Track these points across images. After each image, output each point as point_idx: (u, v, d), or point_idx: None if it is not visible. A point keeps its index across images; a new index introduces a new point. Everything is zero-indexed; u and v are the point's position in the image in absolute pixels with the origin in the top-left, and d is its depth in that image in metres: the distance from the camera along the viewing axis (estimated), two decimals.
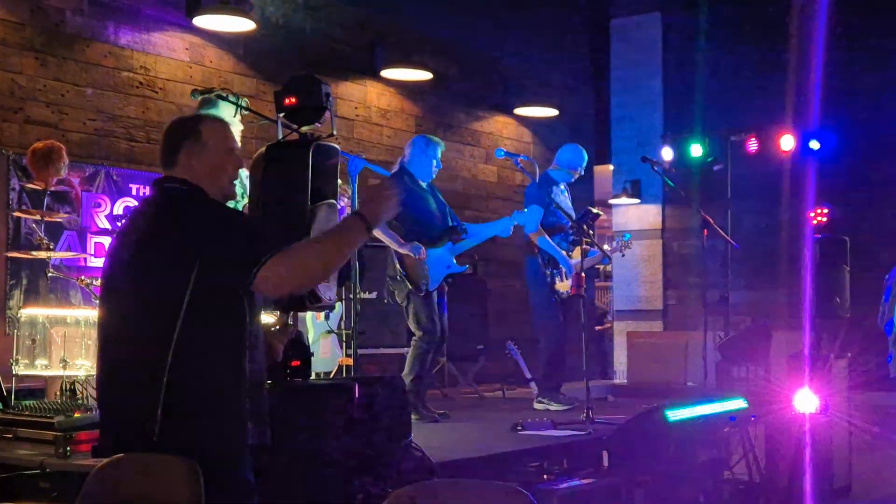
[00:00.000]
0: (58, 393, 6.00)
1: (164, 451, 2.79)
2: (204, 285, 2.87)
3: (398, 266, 6.43)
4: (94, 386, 5.81)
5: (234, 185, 3.22)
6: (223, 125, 3.22)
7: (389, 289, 6.65)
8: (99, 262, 7.39)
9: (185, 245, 2.91)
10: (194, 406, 2.91)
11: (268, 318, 5.92)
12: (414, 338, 6.47)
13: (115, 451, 2.90)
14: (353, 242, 3.11)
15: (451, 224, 6.64)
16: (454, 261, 6.61)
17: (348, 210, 6.41)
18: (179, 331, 2.85)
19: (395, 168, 6.75)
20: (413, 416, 5.92)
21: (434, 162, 6.67)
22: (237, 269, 2.90)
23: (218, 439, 2.94)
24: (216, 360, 2.93)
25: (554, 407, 6.80)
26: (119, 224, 3.45)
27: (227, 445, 2.96)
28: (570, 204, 7.15)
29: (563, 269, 7.00)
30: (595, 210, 7.00)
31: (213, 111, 5.43)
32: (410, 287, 6.37)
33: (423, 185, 6.66)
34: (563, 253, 7.05)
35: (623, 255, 7.64)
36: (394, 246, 6.41)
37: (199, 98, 5.58)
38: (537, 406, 6.96)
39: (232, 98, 5.48)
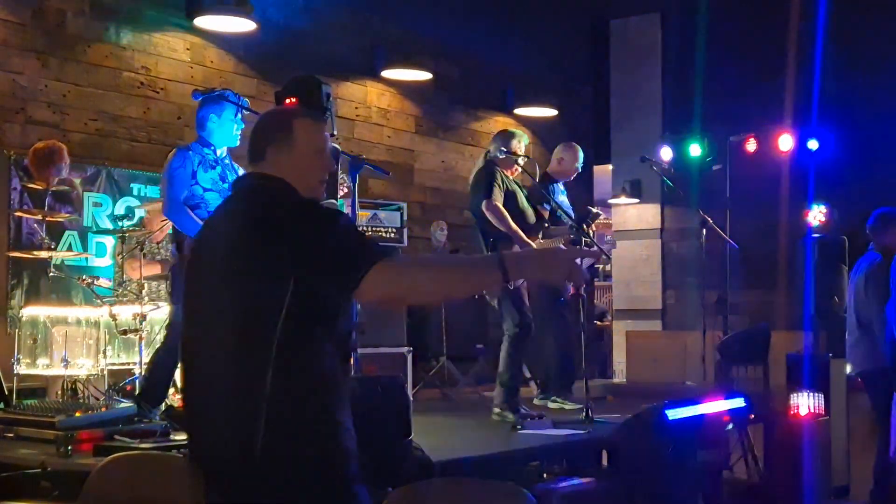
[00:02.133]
0: (59, 392, 6.03)
1: (266, 473, 2.60)
2: (304, 291, 2.64)
3: None
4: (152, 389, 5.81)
5: (322, 186, 2.99)
6: (317, 123, 2.99)
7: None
8: (100, 262, 7.42)
9: (283, 249, 2.66)
10: (297, 424, 2.67)
11: None
12: (507, 335, 6.39)
13: (211, 473, 2.71)
14: (481, 283, 2.91)
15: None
16: None
17: (348, 209, 6.40)
18: (278, 343, 2.63)
19: (481, 163, 6.67)
20: (509, 418, 5.91)
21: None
22: (340, 276, 2.66)
23: (322, 454, 2.71)
24: (316, 373, 2.71)
25: (569, 406, 6.77)
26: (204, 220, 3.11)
27: (331, 461, 2.74)
28: (568, 203, 7.15)
29: None
30: (595, 210, 7.00)
31: (215, 108, 5.44)
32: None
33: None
34: (524, 236, 6.99)
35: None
36: (517, 237, 6.31)
37: (201, 98, 5.59)
38: (551, 405, 6.92)
39: (233, 98, 5.49)
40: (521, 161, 6.47)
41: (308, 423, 2.68)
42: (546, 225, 6.69)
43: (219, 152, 5.47)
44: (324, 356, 2.72)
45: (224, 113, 5.43)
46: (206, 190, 5.35)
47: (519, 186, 6.59)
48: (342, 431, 2.74)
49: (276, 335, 2.62)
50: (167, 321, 5.45)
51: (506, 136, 6.58)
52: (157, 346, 5.51)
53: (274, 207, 2.74)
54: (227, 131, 5.46)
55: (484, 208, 6.25)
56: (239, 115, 5.51)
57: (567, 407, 6.79)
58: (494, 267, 2.67)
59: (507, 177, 6.48)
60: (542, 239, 6.61)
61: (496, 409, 6.09)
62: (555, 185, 7.13)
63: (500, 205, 6.27)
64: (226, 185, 5.43)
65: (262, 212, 2.74)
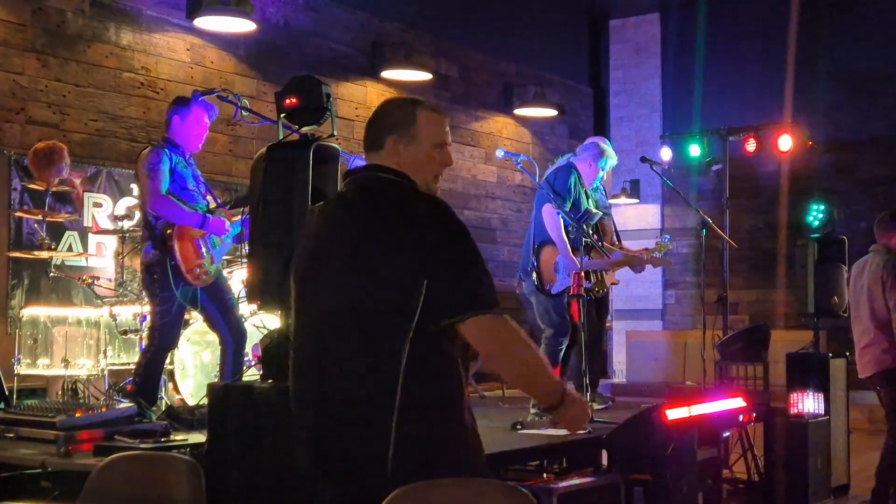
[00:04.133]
0: (59, 392, 6.03)
1: (396, 482, 2.52)
2: (430, 305, 2.58)
3: (533, 258, 6.37)
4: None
5: (438, 182, 2.90)
6: (440, 116, 2.87)
7: (520, 276, 6.64)
8: (100, 262, 7.41)
9: (417, 254, 2.58)
10: (429, 434, 2.61)
11: (270, 316, 5.96)
12: (543, 335, 6.43)
13: (337, 482, 2.64)
14: (537, 395, 2.89)
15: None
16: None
17: None
18: (409, 352, 2.57)
19: (563, 161, 6.63)
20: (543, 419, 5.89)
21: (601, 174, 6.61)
22: (460, 304, 2.60)
23: (452, 462, 2.65)
24: (444, 382, 2.67)
25: (596, 406, 6.75)
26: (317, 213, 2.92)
27: (459, 464, 2.66)
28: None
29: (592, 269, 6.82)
30: (595, 210, 6.97)
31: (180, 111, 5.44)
32: (536, 283, 6.35)
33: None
34: (569, 252, 6.96)
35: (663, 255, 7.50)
36: (565, 250, 6.33)
37: (200, 98, 5.60)
38: None
39: (232, 98, 5.49)
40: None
41: (438, 434, 2.63)
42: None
43: (187, 155, 5.48)
44: (451, 364, 2.68)
45: (189, 116, 5.41)
46: (182, 189, 5.36)
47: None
48: (471, 436, 2.72)
49: (408, 340, 2.57)
50: (150, 324, 5.43)
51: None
52: (146, 347, 5.45)
53: (409, 209, 2.66)
54: (190, 134, 5.44)
55: (544, 212, 6.31)
56: (239, 116, 5.51)
57: (596, 406, 6.75)
58: (557, 395, 2.77)
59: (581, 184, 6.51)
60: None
61: (532, 410, 6.11)
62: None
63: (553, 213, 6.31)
64: (196, 187, 5.44)
65: (397, 212, 2.66)
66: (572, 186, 6.48)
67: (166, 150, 5.33)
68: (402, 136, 2.78)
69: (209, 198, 5.58)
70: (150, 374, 5.28)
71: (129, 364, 6.17)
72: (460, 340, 2.68)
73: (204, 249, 5.36)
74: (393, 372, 2.55)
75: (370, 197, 2.75)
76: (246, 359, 5.86)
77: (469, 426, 2.71)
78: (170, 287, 5.24)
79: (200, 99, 5.48)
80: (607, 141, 6.95)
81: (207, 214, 5.33)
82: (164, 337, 5.31)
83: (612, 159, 6.72)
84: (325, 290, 2.70)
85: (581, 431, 3.58)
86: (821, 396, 6.65)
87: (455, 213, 2.71)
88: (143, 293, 5.69)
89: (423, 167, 2.79)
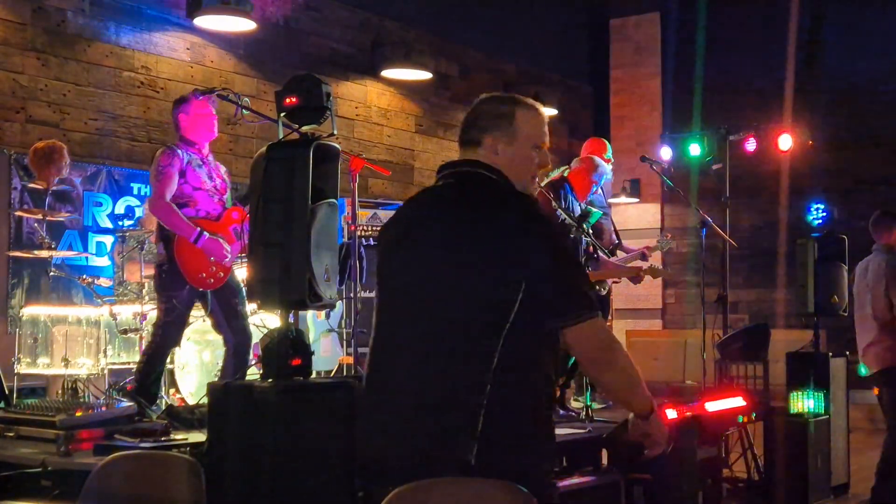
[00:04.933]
0: (59, 391, 6.02)
1: (477, 472, 2.49)
2: (528, 303, 2.53)
3: None
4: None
5: (535, 183, 2.85)
6: (540, 115, 2.80)
7: None
8: (100, 262, 7.42)
9: (519, 256, 2.54)
10: (513, 431, 2.55)
11: (270, 315, 5.96)
12: None
13: (411, 471, 2.54)
14: (629, 406, 2.75)
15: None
16: None
17: (348, 209, 6.40)
18: (501, 350, 2.51)
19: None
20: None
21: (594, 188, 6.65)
22: (560, 310, 2.57)
23: (534, 466, 2.60)
24: (533, 384, 2.60)
25: (596, 405, 6.74)
26: (407, 212, 2.85)
27: (540, 471, 2.64)
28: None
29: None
30: (594, 210, 6.96)
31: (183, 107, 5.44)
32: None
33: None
34: None
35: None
36: (622, 269, 6.43)
37: (200, 98, 5.60)
38: (574, 404, 6.87)
39: (233, 97, 5.48)
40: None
41: (521, 437, 2.57)
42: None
43: (204, 152, 5.46)
44: (542, 366, 2.62)
45: (192, 110, 5.41)
46: (195, 189, 5.34)
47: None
48: (550, 442, 2.68)
49: (500, 341, 2.51)
50: (156, 320, 5.43)
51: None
52: (149, 343, 5.45)
53: (506, 208, 2.63)
54: (201, 126, 5.42)
55: None
56: (239, 115, 5.51)
57: (596, 406, 6.75)
58: (649, 404, 2.73)
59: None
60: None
61: None
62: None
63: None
64: (212, 184, 5.43)
65: (495, 211, 2.62)
66: (562, 200, 6.52)
67: (179, 151, 5.31)
68: (502, 135, 2.74)
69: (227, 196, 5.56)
70: (150, 372, 5.28)
71: (129, 363, 6.17)
72: (554, 345, 2.64)
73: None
74: (482, 371, 2.51)
75: (467, 194, 2.70)
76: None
77: (551, 431, 2.69)
78: (174, 287, 5.24)
79: (195, 92, 5.51)
80: (608, 144, 6.93)
81: (204, 232, 5.27)
82: (167, 335, 5.31)
83: (607, 174, 6.72)
84: (416, 285, 2.65)
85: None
86: (821, 396, 6.66)
87: (553, 214, 2.68)
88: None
89: (520, 167, 2.75)
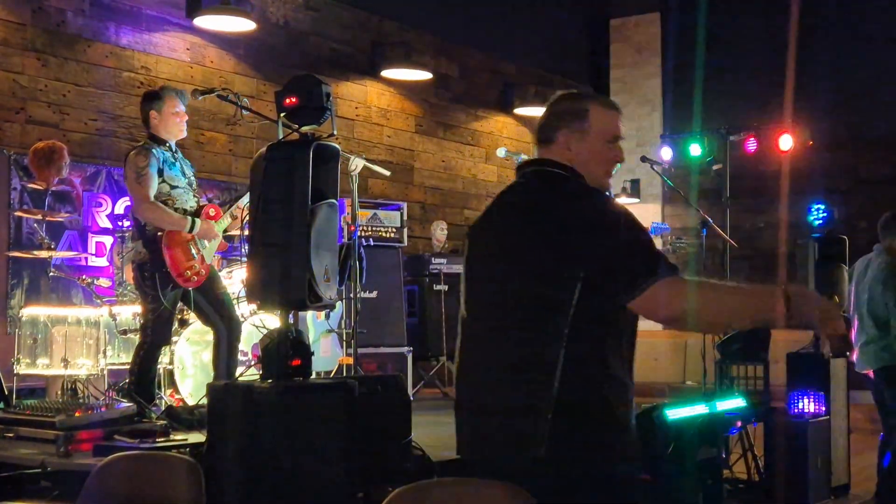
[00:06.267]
0: (59, 392, 6.03)
1: (548, 470, 2.52)
2: (589, 293, 2.55)
3: None
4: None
5: (610, 177, 2.86)
6: (614, 112, 2.82)
7: None
8: (100, 262, 7.41)
9: (574, 249, 2.57)
10: (583, 435, 2.56)
11: (270, 316, 5.95)
12: None
13: (486, 470, 2.55)
14: (764, 316, 2.63)
15: None
16: None
17: (348, 209, 6.40)
18: (566, 350, 2.53)
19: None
20: None
21: None
22: (622, 286, 2.55)
23: (605, 462, 2.61)
24: (602, 386, 2.59)
25: None
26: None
27: (610, 466, 2.62)
28: None
29: None
30: None
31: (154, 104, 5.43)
32: None
33: None
34: None
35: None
36: None
37: (200, 98, 5.60)
38: None
39: (232, 97, 5.48)
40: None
41: (592, 435, 2.57)
42: None
43: (173, 148, 5.45)
44: (611, 357, 2.61)
45: (164, 108, 5.39)
46: (172, 187, 5.34)
47: None
48: (628, 433, 2.65)
49: (564, 339, 2.53)
50: (143, 322, 5.42)
51: None
52: (139, 344, 5.44)
53: (569, 203, 2.65)
54: (172, 125, 5.40)
55: None
56: (239, 115, 5.51)
57: None
58: (779, 299, 2.52)
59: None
60: None
61: None
62: None
63: None
64: (186, 180, 5.43)
65: (558, 207, 2.65)
66: None
67: (153, 151, 5.28)
68: (574, 130, 2.76)
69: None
70: (145, 372, 5.29)
71: (128, 364, 6.16)
72: (626, 330, 2.64)
73: (194, 251, 5.35)
74: (550, 367, 2.54)
75: (533, 191, 2.75)
76: (245, 358, 5.87)
77: (627, 427, 2.65)
78: (160, 286, 5.24)
79: (195, 92, 5.52)
80: None
81: (196, 219, 5.31)
82: (156, 333, 5.31)
83: None
84: (489, 282, 2.71)
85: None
86: (821, 396, 6.65)
87: (615, 203, 2.71)
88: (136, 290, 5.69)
89: (594, 162, 2.76)
